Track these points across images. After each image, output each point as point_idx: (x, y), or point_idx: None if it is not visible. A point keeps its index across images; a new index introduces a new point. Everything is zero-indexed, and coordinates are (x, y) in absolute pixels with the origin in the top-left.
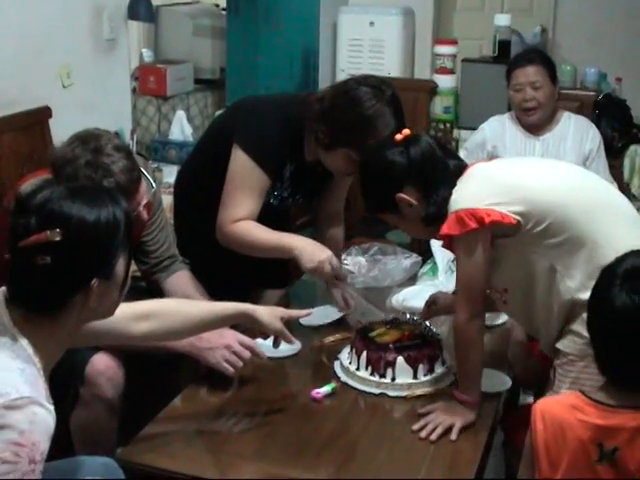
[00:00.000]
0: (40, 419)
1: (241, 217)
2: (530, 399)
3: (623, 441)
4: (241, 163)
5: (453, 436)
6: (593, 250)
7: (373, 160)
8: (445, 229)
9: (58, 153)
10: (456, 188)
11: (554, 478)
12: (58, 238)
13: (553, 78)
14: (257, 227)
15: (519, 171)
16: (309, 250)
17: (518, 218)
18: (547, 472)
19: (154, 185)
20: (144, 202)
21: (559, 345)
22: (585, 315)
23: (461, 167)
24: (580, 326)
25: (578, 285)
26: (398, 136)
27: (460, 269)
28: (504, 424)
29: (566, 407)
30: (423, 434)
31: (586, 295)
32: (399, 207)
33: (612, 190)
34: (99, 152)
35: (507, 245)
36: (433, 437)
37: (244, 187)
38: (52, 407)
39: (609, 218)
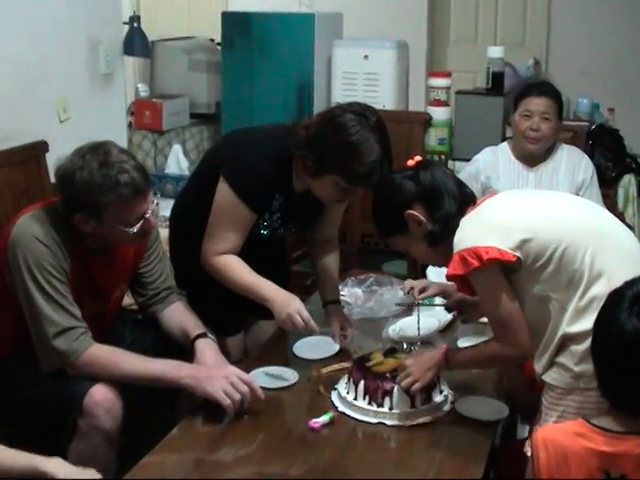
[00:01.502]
0: None
1: (223, 250)
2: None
3: (630, 468)
4: (226, 197)
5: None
6: (588, 284)
7: (384, 182)
8: (450, 270)
9: (67, 164)
10: (459, 229)
11: None
12: None
13: (560, 114)
14: (238, 265)
15: (518, 209)
16: (279, 301)
17: (517, 255)
18: None
19: (158, 195)
20: (152, 207)
21: (546, 377)
22: (573, 348)
23: (469, 195)
24: (567, 359)
25: (569, 318)
26: (410, 162)
27: (486, 306)
28: (497, 459)
29: (570, 435)
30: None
31: (574, 328)
32: (408, 227)
33: (610, 220)
34: (109, 155)
35: (512, 282)
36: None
37: (227, 221)
38: None
39: (606, 252)
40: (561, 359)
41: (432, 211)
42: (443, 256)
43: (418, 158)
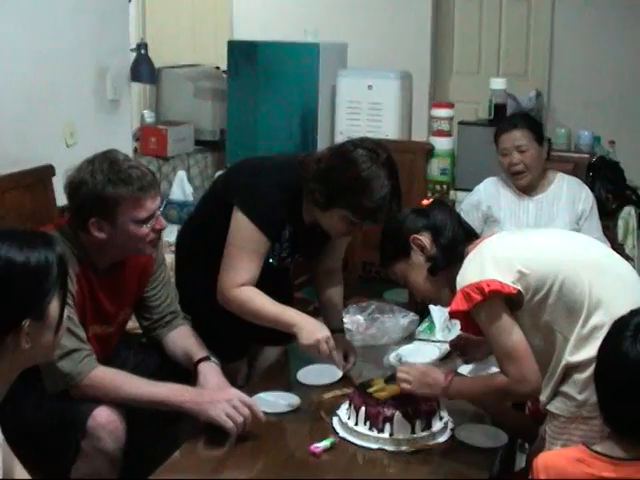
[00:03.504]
0: None
1: (244, 282)
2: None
3: None
4: (242, 226)
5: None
6: (588, 314)
7: (396, 213)
8: (453, 307)
9: (76, 173)
10: (461, 269)
11: None
12: None
13: (539, 139)
14: (260, 296)
15: (515, 245)
16: (308, 328)
17: (518, 287)
18: None
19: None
20: (161, 209)
21: (550, 407)
22: (576, 376)
23: (472, 232)
24: (571, 388)
25: (571, 347)
26: (424, 202)
27: (492, 341)
28: None
29: (571, 460)
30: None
31: (577, 357)
32: (411, 254)
33: (607, 252)
34: (116, 157)
35: (518, 318)
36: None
37: (245, 250)
38: None
39: (604, 282)
40: (565, 388)
41: (437, 239)
42: (439, 290)
43: (431, 199)
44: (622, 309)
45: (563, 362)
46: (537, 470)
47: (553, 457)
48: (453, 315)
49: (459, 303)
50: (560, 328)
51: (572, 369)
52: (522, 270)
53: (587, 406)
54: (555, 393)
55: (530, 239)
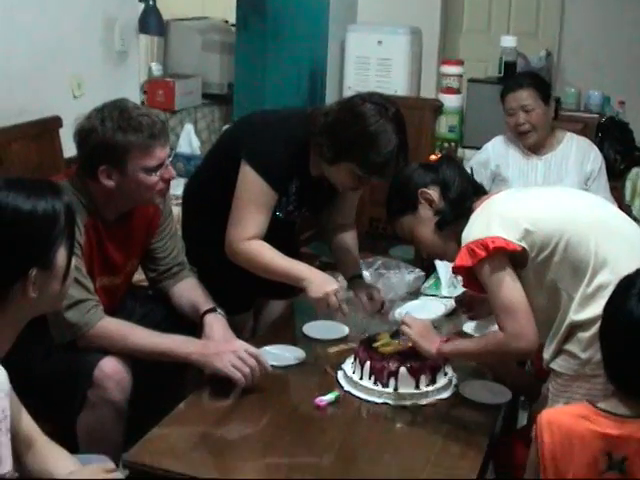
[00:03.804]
0: None
1: (252, 235)
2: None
3: (632, 451)
4: (249, 179)
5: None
6: (593, 273)
7: (406, 166)
8: (458, 262)
9: (85, 121)
10: (467, 225)
11: None
12: None
13: (546, 99)
14: (269, 250)
15: (521, 203)
16: (317, 281)
17: (523, 245)
18: None
19: (174, 150)
20: (170, 158)
21: (553, 365)
22: (580, 335)
23: (480, 187)
24: (574, 346)
25: (576, 306)
26: (433, 157)
27: (492, 296)
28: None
29: (574, 417)
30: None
31: (581, 316)
32: (419, 208)
33: (614, 212)
34: (126, 105)
35: (522, 275)
36: None
37: (253, 203)
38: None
39: (610, 241)
40: (568, 346)
41: (445, 193)
42: (446, 245)
43: (439, 155)
44: (628, 268)
45: (567, 320)
46: (541, 426)
47: (557, 414)
48: (456, 271)
49: (463, 259)
50: (565, 286)
51: (576, 327)
52: (528, 228)
53: (590, 364)
54: (559, 351)
55: (537, 197)
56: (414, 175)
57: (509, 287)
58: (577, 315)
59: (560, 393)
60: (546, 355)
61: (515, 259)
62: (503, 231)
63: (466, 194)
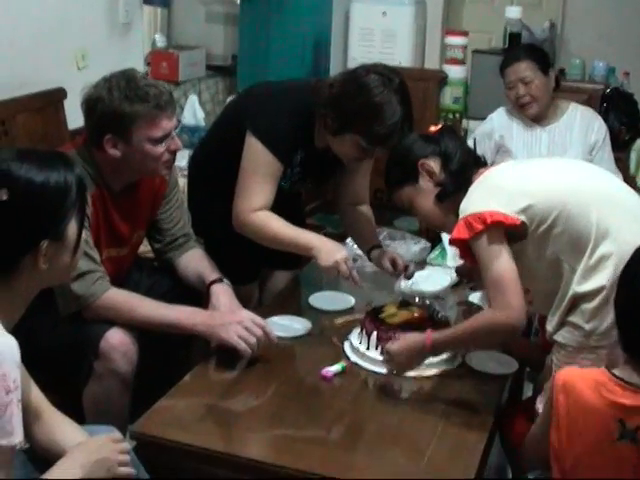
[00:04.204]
0: (3, 349)
1: (259, 206)
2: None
3: None
4: (255, 151)
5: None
6: (595, 244)
7: (405, 137)
8: (455, 234)
9: (92, 90)
10: (465, 197)
11: (572, 450)
12: (4, 197)
13: (545, 69)
14: (276, 220)
15: (521, 175)
16: (326, 249)
17: (522, 218)
18: (566, 443)
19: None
20: (177, 129)
21: (557, 337)
22: (583, 306)
23: (481, 159)
24: (578, 317)
25: (579, 277)
26: (432, 128)
27: (483, 270)
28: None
29: (590, 382)
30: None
31: (584, 287)
32: (419, 179)
33: (617, 183)
34: (134, 75)
35: (523, 248)
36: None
37: (259, 174)
38: (11, 336)
39: (612, 212)
40: (572, 318)
41: (446, 165)
42: (445, 216)
43: (439, 126)
44: (630, 239)
45: (570, 292)
46: (557, 387)
47: (574, 376)
48: (453, 243)
49: (461, 231)
50: (567, 258)
51: (580, 299)
52: (527, 200)
53: (594, 335)
54: (562, 323)
55: (537, 169)
56: (414, 146)
57: (501, 261)
58: (580, 286)
59: (564, 365)
60: (549, 327)
61: (514, 232)
62: (501, 204)
63: (466, 165)
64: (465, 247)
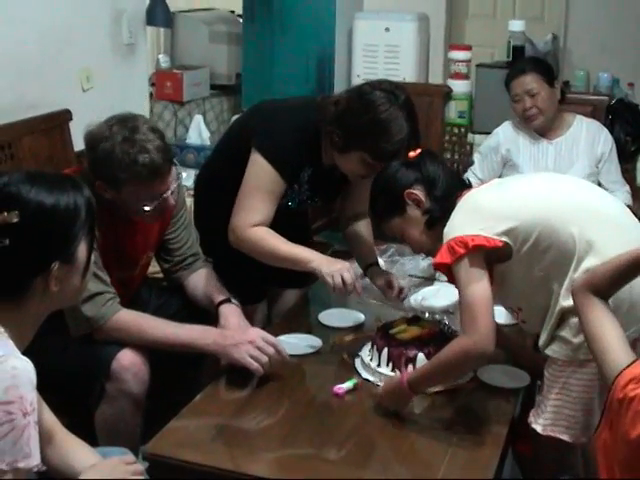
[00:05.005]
0: (20, 372)
1: (257, 222)
2: None
3: None
4: (258, 167)
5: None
6: (579, 258)
7: (387, 167)
8: (438, 259)
9: (95, 130)
10: (449, 221)
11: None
12: (15, 220)
13: (550, 81)
14: (274, 236)
15: (503, 196)
16: (327, 261)
17: (504, 239)
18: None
19: (182, 175)
20: (173, 187)
21: (548, 351)
22: (571, 321)
23: (463, 182)
24: (567, 332)
25: (564, 292)
26: (412, 154)
27: (460, 294)
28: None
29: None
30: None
31: (570, 301)
32: (406, 209)
33: (603, 197)
34: (135, 131)
35: (509, 268)
36: None
37: (260, 191)
38: (27, 359)
39: (596, 227)
40: (561, 332)
41: (431, 191)
42: (436, 242)
43: (419, 150)
44: (614, 251)
45: (558, 307)
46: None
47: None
48: (437, 267)
49: (443, 256)
50: (553, 274)
51: (567, 313)
52: (509, 222)
53: (583, 349)
54: (552, 337)
55: (518, 187)
56: (397, 175)
57: (477, 286)
58: (566, 301)
59: (556, 379)
60: (541, 342)
61: (498, 253)
62: (483, 228)
63: (451, 189)
64: (449, 270)
